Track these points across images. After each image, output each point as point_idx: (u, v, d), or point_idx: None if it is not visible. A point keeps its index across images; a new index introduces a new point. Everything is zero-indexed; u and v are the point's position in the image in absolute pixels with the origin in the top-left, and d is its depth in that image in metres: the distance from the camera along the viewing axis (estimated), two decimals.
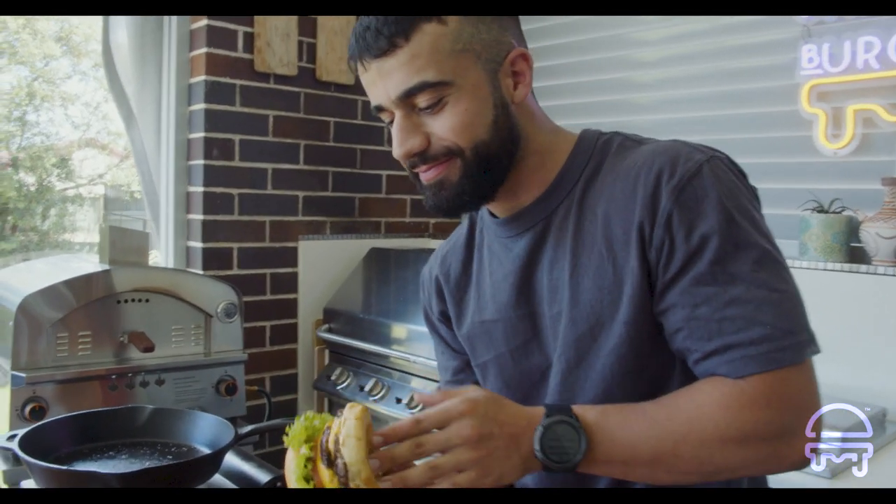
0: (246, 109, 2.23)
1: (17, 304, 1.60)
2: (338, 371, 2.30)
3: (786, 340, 0.74)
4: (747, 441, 0.73)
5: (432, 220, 2.75)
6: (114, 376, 1.69)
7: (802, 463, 0.75)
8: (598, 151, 0.89)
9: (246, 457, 1.33)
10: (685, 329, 0.78)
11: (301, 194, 2.37)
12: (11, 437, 1.17)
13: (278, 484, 1.28)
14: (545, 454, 0.74)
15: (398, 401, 2.10)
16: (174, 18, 2.17)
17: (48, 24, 3.90)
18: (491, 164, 0.85)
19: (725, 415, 0.74)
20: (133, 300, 1.74)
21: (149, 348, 1.69)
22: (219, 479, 1.31)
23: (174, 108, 2.19)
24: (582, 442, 0.74)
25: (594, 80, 2.45)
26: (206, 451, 1.20)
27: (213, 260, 2.19)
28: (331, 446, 0.71)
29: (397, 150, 0.85)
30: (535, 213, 0.90)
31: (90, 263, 1.82)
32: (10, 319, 1.60)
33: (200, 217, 2.17)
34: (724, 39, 2.16)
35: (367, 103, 2.46)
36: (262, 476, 1.29)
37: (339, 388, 2.26)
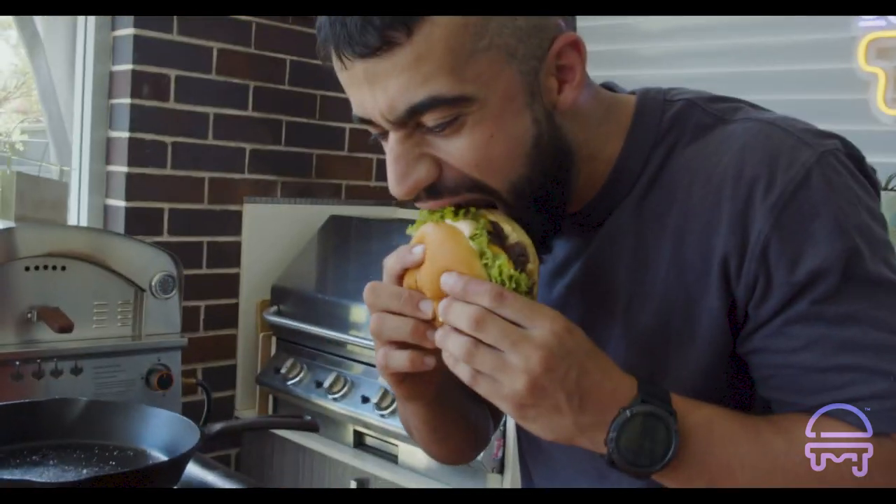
0: (185, 39, 2.18)
1: None
2: (289, 363, 2.24)
3: None
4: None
5: None
6: (17, 363, 1.58)
7: None
8: (665, 130, 0.78)
9: (207, 464, 1.25)
10: (777, 377, 0.73)
11: (248, 147, 2.35)
12: None
13: None
14: (617, 447, 0.66)
15: (365, 400, 2.04)
16: None
17: None
18: (541, 203, 0.74)
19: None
20: (45, 267, 1.65)
21: (65, 328, 1.60)
22: None
23: (93, 33, 2.11)
24: (670, 450, 0.66)
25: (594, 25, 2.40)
26: (161, 456, 1.15)
27: (139, 223, 2.14)
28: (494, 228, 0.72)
29: (397, 188, 0.72)
30: (573, 226, 0.82)
31: None
32: None
33: (124, 169, 2.12)
34: None
35: None
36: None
37: (289, 383, 2.21)
